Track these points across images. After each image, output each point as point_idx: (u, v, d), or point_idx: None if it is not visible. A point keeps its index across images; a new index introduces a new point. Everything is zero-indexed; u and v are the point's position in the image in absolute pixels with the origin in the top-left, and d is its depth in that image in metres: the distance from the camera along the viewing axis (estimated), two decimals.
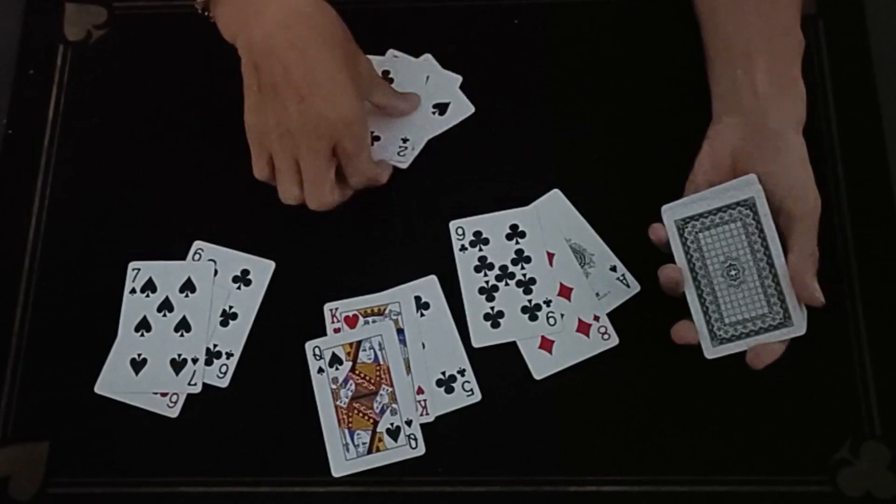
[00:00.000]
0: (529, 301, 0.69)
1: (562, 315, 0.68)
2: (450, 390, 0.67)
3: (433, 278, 0.70)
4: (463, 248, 0.71)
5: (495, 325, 0.68)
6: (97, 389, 0.68)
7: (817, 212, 0.62)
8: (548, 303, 0.69)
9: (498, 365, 0.68)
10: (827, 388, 0.67)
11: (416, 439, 0.66)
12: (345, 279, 0.70)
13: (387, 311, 0.69)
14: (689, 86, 0.69)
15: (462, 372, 0.67)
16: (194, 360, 0.68)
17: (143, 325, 0.69)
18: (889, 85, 0.73)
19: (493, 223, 0.71)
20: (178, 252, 0.71)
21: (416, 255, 0.71)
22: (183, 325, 0.69)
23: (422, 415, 0.67)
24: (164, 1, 0.79)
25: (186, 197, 0.73)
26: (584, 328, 0.68)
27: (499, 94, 0.75)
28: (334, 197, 0.67)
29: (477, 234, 0.71)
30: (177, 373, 0.68)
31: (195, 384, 0.67)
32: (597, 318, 0.68)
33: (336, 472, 0.66)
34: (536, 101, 0.75)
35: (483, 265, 0.70)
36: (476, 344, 0.68)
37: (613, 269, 0.70)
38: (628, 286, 0.69)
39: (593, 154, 0.73)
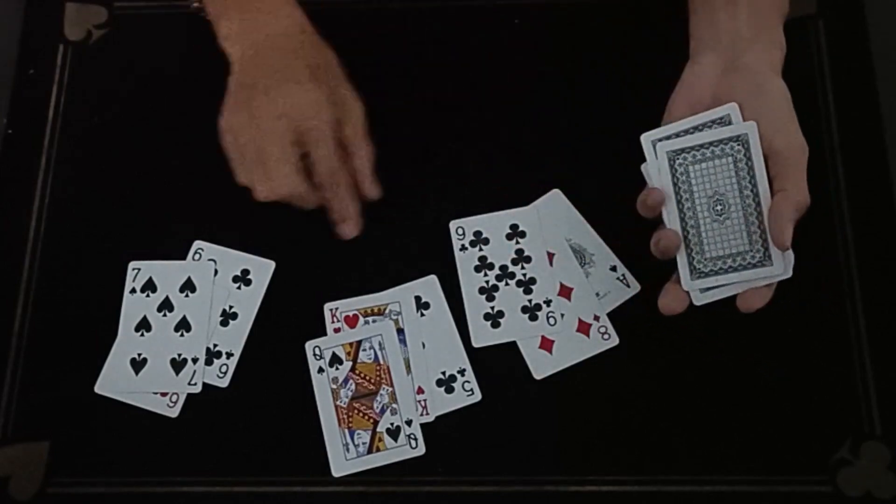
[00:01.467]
0: (529, 301, 0.69)
1: (562, 315, 0.68)
2: (450, 390, 0.67)
3: (433, 278, 0.70)
4: (463, 248, 0.71)
5: (495, 324, 0.68)
6: (97, 389, 0.68)
7: (806, 154, 0.61)
8: (548, 302, 0.69)
9: (498, 365, 0.68)
10: (827, 388, 0.67)
11: (416, 439, 0.66)
12: (345, 279, 0.70)
13: (387, 311, 0.69)
14: None
15: (462, 372, 0.67)
16: (194, 360, 0.68)
17: (143, 325, 0.69)
18: (889, 85, 0.73)
19: (494, 223, 0.71)
20: (178, 252, 0.71)
21: (415, 255, 0.71)
22: (183, 325, 0.69)
23: (422, 415, 0.67)
24: (164, 1, 0.79)
25: (186, 197, 0.73)
26: (584, 328, 0.68)
27: (499, 94, 0.75)
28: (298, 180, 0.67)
29: (477, 233, 0.71)
30: (177, 373, 0.68)
31: (195, 384, 0.67)
32: (597, 318, 0.68)
33: (336, 472, 0.66)
34: (536, 101, 0.75)
35: (483, 265, 0.70)
36: (476, 344, 0.68)
37: (613, 269, 0.70)
38: (628, 286, 0.69)
39: (593, 154, 0.73)
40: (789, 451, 0.65)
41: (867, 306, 0.68)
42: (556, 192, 0.72)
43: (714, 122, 0.63)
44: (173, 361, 0.68)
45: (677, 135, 0.63)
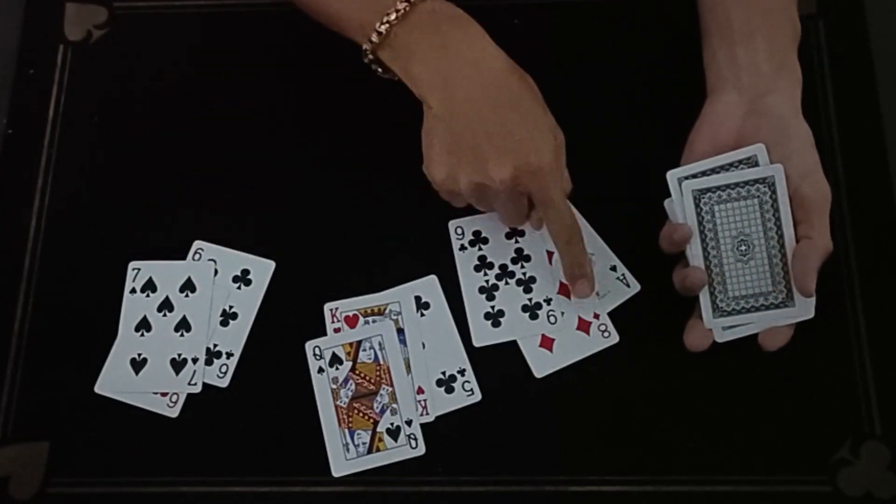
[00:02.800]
0: (530, 300, 0.69)
1: (562, 313, 0.68)
2: (450, 390, 0.67)
3: (433, 278, 0.70)
4: (462, 248, 0.71)
5: (496, 324, 0.68)
6: (97, 389, 0.68)
7: (829, 201, 0.62)
8: (548, 301, 0.69)
9: (498, 364, 0.68)
10: (827, 388, 0.67)
11: (416, 439, 0.66)
12: (345, 279, 0.70)
13: (387, 311, 0.69)
14: (690, 85, 0.69)
15: (462, 372, 0.67)
16: (194, 360, 0.68)
17: (144, 325, 0.69)
18: (889, 85, 0.73)
19: (493, 222, 0.71)
20: (178, 252, 0.71)
21: (415, 254, 0.71)
22: (183, 325, 0.69)
23: (422, 415, 0.67)
24: (164, 1, 0.79)
25: (186, 197, 0.73)
26: (584, 326, 0.68)
27: None
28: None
29: (476, 233, 0.71)
30: (177, 373, 0.68)
31: (195, 384, 0.67)
32: (597, 316, 0.68)
33: (336, 472, 0.65)
34: None
35: (483, 264, 0.70)
36: (477, 343, 0.68)
37: (613, 268, 0.70)
38: (628, 286, 0.69)
39: (593, 154, 0.73)
40: (789, 451, 0.65)
41: (867, 306, 0.68)
42: None
43: (741, 162, 0.63)
44: (173, 361, 0.68)
45: (704, 173, 0.64)
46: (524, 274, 0.70)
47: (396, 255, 0.71)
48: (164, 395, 0.68)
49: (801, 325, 0.64)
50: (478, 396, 0.67)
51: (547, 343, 0.68)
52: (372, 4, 0.64)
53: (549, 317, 0.68)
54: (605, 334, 0.68)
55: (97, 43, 0.78)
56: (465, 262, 0.70)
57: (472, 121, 0.62)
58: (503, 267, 0.70)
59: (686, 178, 0.64)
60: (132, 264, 0.70)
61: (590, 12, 0.77)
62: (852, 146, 0.72)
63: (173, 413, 0.67)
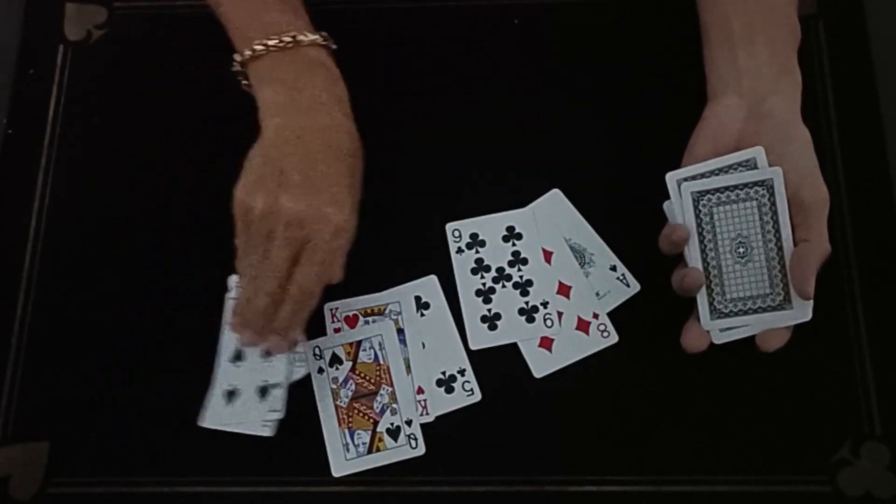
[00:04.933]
0: (526, 303, 0.69)
1: (559, 314, 0.68)
2: (450, 390, 0.67)
3: (433, 278, 0.70)
4: (459, 251, 0.70)
5: (492, 327, 0.68)
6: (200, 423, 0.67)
7: (828, 205, 0.62)
8: (545, 304, 0.69)
9: (498, 364, 0.68)
10: (827, 388, 0.67)
11: (416, 439, 0.66)
12: (345, 279, 0.70)
13: (387, 311, 0.69)
14: (690, 85, 0.69)
15: (462, 372, 0.67)
16: (275, 386, 0.67)
17: (238, 356, 0.68)
18: (889, 85, 0.73)
19: (490, 225, 0.71)
20: (178, 252, 0.71)
21: (416, 255, 0.71)
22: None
23: (422, 414, 0.67)
24: (164, 1, 0.79)
25: (186, 197, 0.73)
26: (583, 326, 0.68)
27: (499, 94, 0.75)
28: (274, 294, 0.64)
29: (473, 236, 0.71)
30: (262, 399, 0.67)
31: (279, 410, 0.66)
32: (596, 316, 0.68)
33: (336, 472, 0.66)
34: (536, 101, 0.75)
35: (480, 267, 0.70)
36: (473, 346, 0.68)
37: (613, 268, 0.70)
38: (628, 286, 0.69)
39: (593, 154, 0.73)
40: (789, 451, 0.65)
41: (867, 306, 0.68)
42: (555, 192, 0.72)
43: (740, 164, 0.63)
44: (259, 390, 0.67)
45: (703, 175, 0.64)
46: (521, 277, 0.70)
47: (396, 256, 0.71)
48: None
49: (801, 326, 0.64)
50: (478, 396, 0.67)
51: (546, 343, 0.68)
52: (261, 22, 0.67)
53: (545, 320, 0.68)
54: (605, 334, 0.68)
55: (97, 43, 0.78)
56: (462, 264, 0.70)
57: (296, 152, 0.64)
58: (500, 270, 0.70)
59: (685, 179, 0.64)
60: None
61: (590, 12, 0.77)
62: (852, 146, 0.72)
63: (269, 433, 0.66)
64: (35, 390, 0.69)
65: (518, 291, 0.69)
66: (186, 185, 0.73)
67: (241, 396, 0.67)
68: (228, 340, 0.68)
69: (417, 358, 0.68)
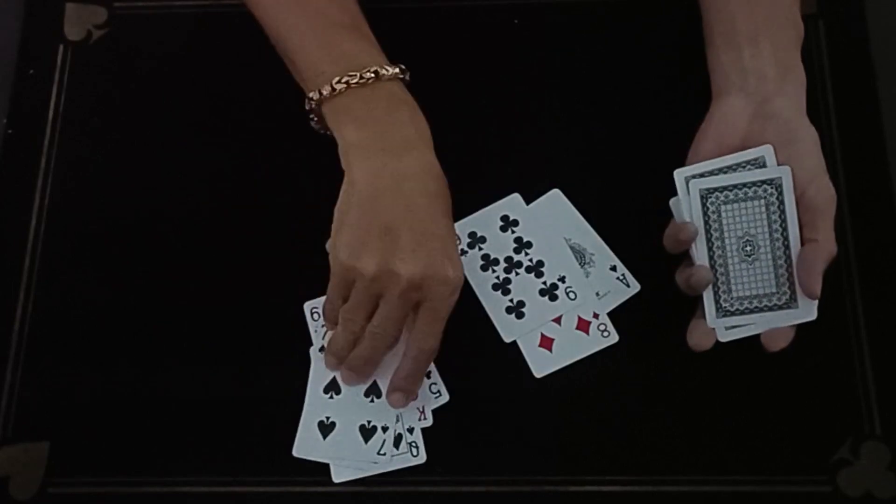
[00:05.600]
0: (545, 283, 0.69)
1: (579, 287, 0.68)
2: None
3: None
4: (463, 252, 0.70)
5: (519, 315, 0.68)
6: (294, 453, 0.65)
7: (835, 204, 0.63)
8: (562, 279, 0.68)
9: (498, 364, 0.68)
10: (827, 388, 0.67)
11: (417, 447, 0.66)
12: None
13: None
14: (690, 85, 0.69)
15: (428, 374, 0.67)
16: (384, 429, 0.66)
17: (332, 387, 0.67)
18: (889, 85, 0.73)
19: (484, 219, 0.71)
20: (179, 251, 0.71)
21: None
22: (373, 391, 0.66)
23: (420, 419, 0.66)
24: (164, 1, 0.79)
25: (186, 197, 0.73)
26: (583, 326, 0.68)
27: (499, 94, 0.75)
28: (386, 347, 0.63)
29: (472, 234, 0.71)
30: (366, 441, 0.65)
31: (384, 454, 0.65)
32: (596, 316, 0.68)
33: (336, 479, 0.65)
34: (536, 101, 0.75)
35: (488, 262, 0.70)
36: (508, 339, 0.68)
37: (613, 268, 0.70)
38: (628, 286, 0.69)
39: (593, 154, 0.73)
40: (789, 451, 0.65)
41: (867, 306, 0.68)
42: (556, 192, 0.72)
43: (748, 162, 0.63)
44: (362, 428, 0.66)
45: (711, 173, 0.64)
46: (531, 260, 0.69)
47: None
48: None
49: (802, 326, 0.64)
50: (446, 398, 0.66)
51: (546, 343, 0.68)
52: (336, 57, 0.63)
53: (568, 294, 0.68)
54: (605, 334, 0.68)
55: (97, 43, 0.78)
56: (470, 264, 0.70)
57: (396, 204, 0.61)
58: (508, 259, 0.70)
59: (693, 177, 0.64)
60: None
61: (590, 12, 0.77)
62: (852, 146, 0.72)
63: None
64: (35, 390, 0.69)
65: (532, 274, 0.69)
66: (187, 185, 0.73)
67: (338, 431, 0.65)
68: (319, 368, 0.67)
69: None
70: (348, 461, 0.65)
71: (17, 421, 0.68)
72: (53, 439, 0.67)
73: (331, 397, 0.66)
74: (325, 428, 0.66)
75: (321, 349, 0.67)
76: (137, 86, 0.77)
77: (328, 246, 0.63)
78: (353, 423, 0.66)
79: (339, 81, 0.62)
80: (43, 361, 0.69)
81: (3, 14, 0.79)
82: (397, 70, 0.64)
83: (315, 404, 0.66)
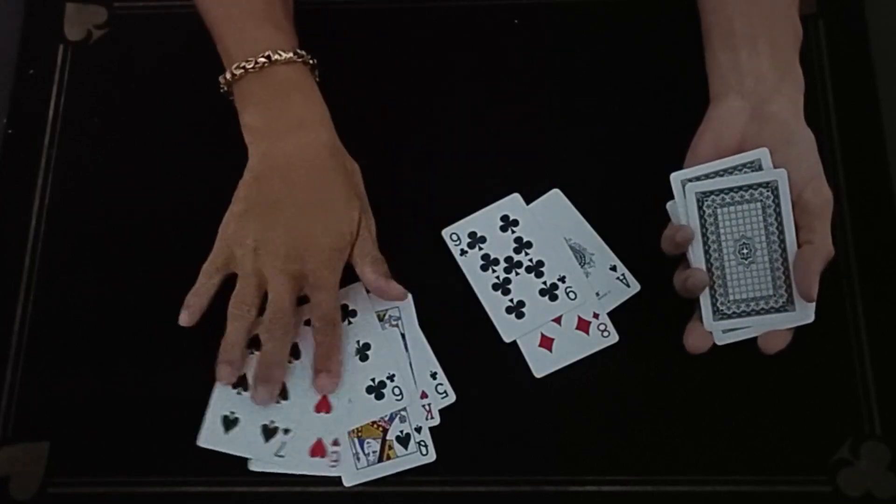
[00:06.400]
0: (545, 283, 0.69)
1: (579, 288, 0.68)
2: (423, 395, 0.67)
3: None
4: (463, 252, 0.70)
5: (519, 315, 0.68)
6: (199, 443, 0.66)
7: (832, 206, 0.62)
8: (562, 279, 0.68)
9: (498, 364, 0.68)
10: (827, 388, 0.67)
11: (426, 446, 0.66)
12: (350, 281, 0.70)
13: (386, 318, 0.69)
14: (689, 85, 0.69)
15: (433, 375, 0.67)
16: (285, 431, 0.66)
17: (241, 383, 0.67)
18: (889, 85, 0.73)
19: (484, 220, 0.71)
20: (179, 252, 0.71)
21: (418, 260, 0.70)
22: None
23: (427, 419, 0.66)
24: (164, 1, 0.79)
25: (186, 197, 0.73)
26: (583, 326, 0.68)
27: (498, 94, 0.75)
28: (288, 336, 0.65)
29: (472, 234, 0.71)
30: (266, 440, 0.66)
31: (283, 455, 0.65)
32: (596, 316, 0.68)
33: (347, 482, 0.65)
34: (536, 101, 0.75)
35: (488, 262, 0.70)
36: (507, 339, 0.68)
37: (613, 268, 0.70)
38: (628, 286, 0.69)
39: (593, 154, 0.73)
40: (789, 451, 0.65)
41: (867, 307, 0.68)
42: (556, 192, 0.72)
43: (744, 165, 0.63)
44: (265, 428, 0.66)
45: (707, 176, 0.64)
46: (531, 260, 0.69)
47: (399, 261, 0.70)
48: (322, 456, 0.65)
49: (802, 326, 0.64)
50: (452, 398, 0.66)
51: (546, 343, 0.68)
52: (243, 41, 0.66)
53: (568, 294, 0.68)
54: (605, 334, 0.68)
55: (97, 43, 0.78)
56: (470, 264, 0.70)
57: (283, 182, 0.64)
58: (508, 259, 0.70)
59: (689, 180, 0.64)
60: None
61: (590, 12, 0.77)
62: (852, 146, 0.72)
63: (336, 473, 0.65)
64: (35, 390, 0.69)
65: (532, 275, 0.69)
66: (187, 185, 0.73)
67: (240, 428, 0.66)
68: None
69: (416, 364, 0.67)
70: (251, 457, 0.65)
71: (17, 421, 0.68)
72: (53, 439, 0.67)
73: (238, 393, 0.67)
74: (229, 423, 0.66)
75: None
76: (137, 86, 0.77)
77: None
78: (257, 422, 0.66)
79: (237, 67, 0.66)
80: (43, 361, 0.69)
81: (3, 14, 0.79)
82: (291, 55, 0.66)
83: (223, 399, 0.66)
